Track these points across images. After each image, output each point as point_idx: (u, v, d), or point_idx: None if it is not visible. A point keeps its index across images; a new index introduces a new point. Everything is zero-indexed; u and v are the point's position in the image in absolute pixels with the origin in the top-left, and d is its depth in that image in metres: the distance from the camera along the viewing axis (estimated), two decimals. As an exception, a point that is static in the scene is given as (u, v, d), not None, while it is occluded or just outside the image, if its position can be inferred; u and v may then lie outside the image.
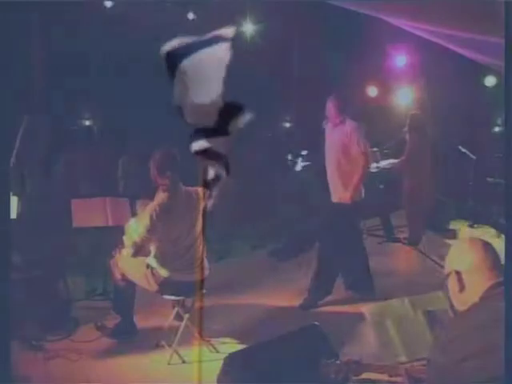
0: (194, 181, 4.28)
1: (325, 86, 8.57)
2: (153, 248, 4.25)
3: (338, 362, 2.46)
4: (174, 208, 4.15)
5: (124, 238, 4.43)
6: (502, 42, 1.98)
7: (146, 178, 4.50)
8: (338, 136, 5.28)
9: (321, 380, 2.52)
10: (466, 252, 2.03)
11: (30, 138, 5.52)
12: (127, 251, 4.40)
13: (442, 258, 3.78)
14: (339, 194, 5.25)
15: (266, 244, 7.39)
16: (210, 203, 1.35)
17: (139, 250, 4.23)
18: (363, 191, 5.36)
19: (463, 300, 1.99)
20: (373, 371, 2.50)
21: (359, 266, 5.39)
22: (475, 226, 8.28)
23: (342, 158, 5.24)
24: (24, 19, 7.94)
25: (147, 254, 4.29)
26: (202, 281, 4.26)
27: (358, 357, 2.50)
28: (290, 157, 9.34)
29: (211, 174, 1.68)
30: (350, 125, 5.25)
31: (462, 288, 1.98)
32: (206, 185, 1.62)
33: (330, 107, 5.28)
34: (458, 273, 1.99)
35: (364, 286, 5.39)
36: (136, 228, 4.17)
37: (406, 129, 7.42)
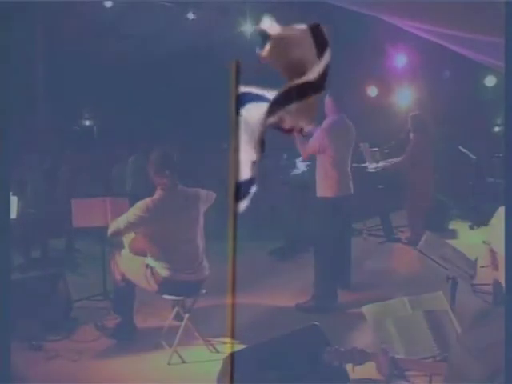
0: (193, 181, 4.32)
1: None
2: (150, 247, 4.25)
3: (342, 349, 2.45)
4: (169, 206, 4.14)
5: (123, 237, 4.44)
6: (502, 42, 1.99)
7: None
8: None
9: (321, 380, 2.52)
10: None
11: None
12: (126, 251, 4.42)
13: (442, 257, 3.79)
14: None
15: (266, 244, 7.37)
16: (242, 205, 1.30)
17: (119, 235, 4.31)
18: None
19: None
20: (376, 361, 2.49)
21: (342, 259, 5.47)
22: (475, 226, 8.30)
23: None
24: (24, 19, 7.94)
25: (145, 254, 4.29)
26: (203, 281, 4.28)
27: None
28: (285, 156, 9.30)
29: (246, 175, 1.61)
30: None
31: None
32: (239, 186, 1.57)
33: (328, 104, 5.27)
34: None
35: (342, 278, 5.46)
36: (126, 216, 4.18)
37: (408, 128, 7.41)
